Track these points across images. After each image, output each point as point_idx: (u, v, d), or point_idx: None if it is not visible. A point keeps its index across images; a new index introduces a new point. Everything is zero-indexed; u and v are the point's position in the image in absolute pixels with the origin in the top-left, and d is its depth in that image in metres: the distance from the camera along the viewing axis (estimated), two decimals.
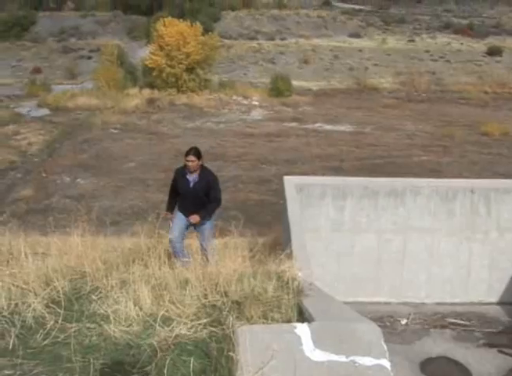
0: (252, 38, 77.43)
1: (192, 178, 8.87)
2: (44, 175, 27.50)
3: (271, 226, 13.32)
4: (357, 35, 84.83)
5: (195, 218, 8.65)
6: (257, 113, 41.40)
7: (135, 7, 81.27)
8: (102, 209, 18.06)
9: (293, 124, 37.62)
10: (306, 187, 8.59)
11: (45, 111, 41.50)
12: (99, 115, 38.53)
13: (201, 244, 8.83)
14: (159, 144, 31.10)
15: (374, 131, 35.73)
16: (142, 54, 53.55)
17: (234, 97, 45.53)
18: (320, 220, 8.46)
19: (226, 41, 70.20)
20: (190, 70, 46.01)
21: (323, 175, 21.14)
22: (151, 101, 43.06)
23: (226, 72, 58.50)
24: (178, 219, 8.97)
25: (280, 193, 9.30)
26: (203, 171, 8.91)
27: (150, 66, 46.19)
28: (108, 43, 55.42)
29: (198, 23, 47.35)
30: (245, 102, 44.72)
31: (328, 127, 36.87)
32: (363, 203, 8.47)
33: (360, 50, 72.85)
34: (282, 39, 78.33)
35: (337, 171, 25.25)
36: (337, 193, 8.49)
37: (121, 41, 66.04)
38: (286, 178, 9.00)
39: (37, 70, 61.48)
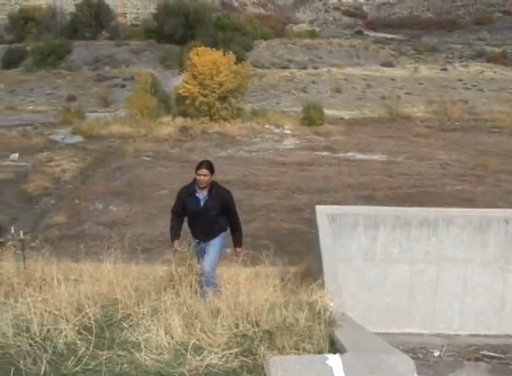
0: (284, 67, 77.68)
1: (202, 196, 8.11)
2: (77, 201, 27.73)
3: (302, 255, 13.26)
4: (389, 64, 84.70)
5: (238, 253, 8.13)
6: (289, 142, 41.45)
7: (168, 36, 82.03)
8: (134, 236, 18.11)
9: (326, 153, 37.58)
10: (338, 217, 8.56)
11: (78, 138, 41.92)
12: (132, 143, 38.85)
13: (203, 267, 7.79)
14: (191, 172, 31.10)
15: (407, 161, 35.55)
16: (176, 83, 53.98)
17: (266, 126, 45.65)
18: (352, 250, 8.42)
19: (259, 70, 70.49)
20: (223, 98, 46.26)
21: (355, 204, 21.02)
22: (184, 129, 43.34)
23: (259, 101, 58.74)
24: (194, 246, 8.15)
25: (312, 222, 9.26)
26: (215, 187, 8.18)
27: (183, 94, 46.53)
28: (142, 72, 55.98)
29: (231, 52, 47.66)
30: (277, 130, 44.81)
31: (360, 156, 36.77)
32: (396, 233, 8.41)
33: (392, 79, 72.75)
34: (314, 68, 78.47)
35: (369, 200, 25.12)
36: (369, 223, 8.44)
37: (155, 70, 66.63)
38: (318, 207, 8.97)
39: (71, 98, 62.27)
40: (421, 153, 37.84)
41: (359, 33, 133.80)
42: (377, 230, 8.41)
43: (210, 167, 8.06)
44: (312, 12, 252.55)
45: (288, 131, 44.65)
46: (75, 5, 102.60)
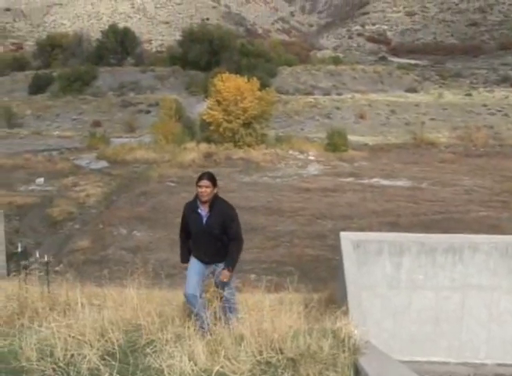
0: (308, 93, 77.95)
1: (204, 212, 7.45)
2: (101, 226, 27.83)
3: (326, 282, 13.19)
4: (413, 90, 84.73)
5: (224, 276, 7.27)
6: (313, 168, 41.42)
7: (193, 63, 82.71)
8: (157, 262, 18.15)
9: (350, 179, 37.49)
10: (362, 243, 8.51)
11: (103, 164, 42.19)
12: (157, 168, 39.03)
13: (221, 294, 7.28)
14: None
15: (431, 187, 35.35)
16: (200, 109, 54.31)
17: (290, 152, 45.69)
18: (377, 277, 8.35)
19: (283, 96, 70.80)
20: (247, 124, 46.41)
21: (380, 230, 20.94)
22: (208, 155, 43.49)
23: (283, 127, 58.92)
24: (193, 267, 7.51)
25: (336, 248, 9.22)
26: (218, 202, 7.49)
27: (208, 120, 46.77)
28: (166, 98, 56.36)
29: (255, 79, 47.86)
30: (301, 156, 44.83)
31: (384, 182, 36.63)
32: (421, 259, 8.34)
33: (416, 105, 72.64)
34: (338, 94, 78.68)
35: (394, 226, 24.97)
36: (394, 250, 8.38)
37: (179, 96, 67.12)
38: (342, 233, 8.93)
39: (97, 124, 62.88)
40: (446, 179, 37.64)
41: (383, 59, 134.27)
42: (402, 257, 8.35)
43: (211, 178, 7.45)
44: (336, 38, 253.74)
45: (312, 158, 44.66)
46: (101, 31, 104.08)
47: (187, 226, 7.68)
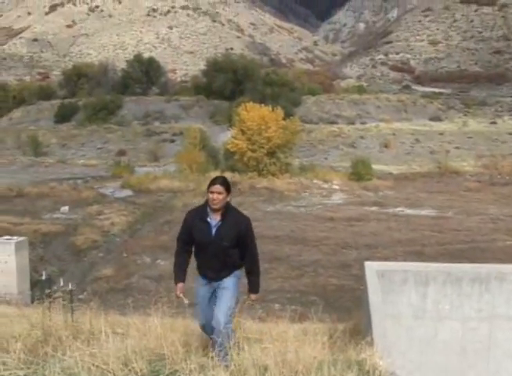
0: (333, 122, 78.07)
1: (215, 221, 6.62)
2: (125, 255, 27.89)
3: (351, 312, 13.07)
4: (437, 118, 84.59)
5: (256, 299, 6.79)
6: (337, 198, 41.31)
7: (217, 92, 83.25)
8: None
9: (374, 208, 37.33)
10: (387, 273, 8.44)
11: (128, 192, 42.40)
12: (181, 197, 39.12)
13: (217, 319, 6.39)
14: None
15: (457, 216, 35.09)
16: (224, 138, 54.52)
17: (315, 181, 45.64)
18: (402, 307, 8.27)
19: (307, 125, 70.93)
20: (271, 154, 46.47)
21: (405, 260, 20.77)
22: (232, 184, 43.42)
23: (307, 156, 58.97)
24: (201, 291, 6.78)
25: (361, 278, 9.15)
26: (230, 211, 6.73)
27: (232, 150, 46.90)
28: (191, 127, 56.68)
29: (279, 108, 47.99)
30: (325, 186, 44.76)
31: (409, 211, 36.43)
32: (446, 289, 8.25)
33: (441, 133, 72.50)
34: (362, 123, 78.75)
35: (419, 256, 24.78)
36: (419, 279, 8.30)
37: (204, 125, 67.51)
38: (366, 263, 8.87)
39: (121, 153, 63.34)
40: (471, 208, 37.36)
41: (407, 87, 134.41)
42: (427, 287, 8.27)
43: (225, 184, 6.69)
44: (360, 67, 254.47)
45: (336, 187, 44.58)
46: (126, 61, 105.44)
47: (189, 237, 6.81)
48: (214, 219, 6.61)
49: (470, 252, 26.49)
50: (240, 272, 6.89)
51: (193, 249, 6.86)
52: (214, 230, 6.59)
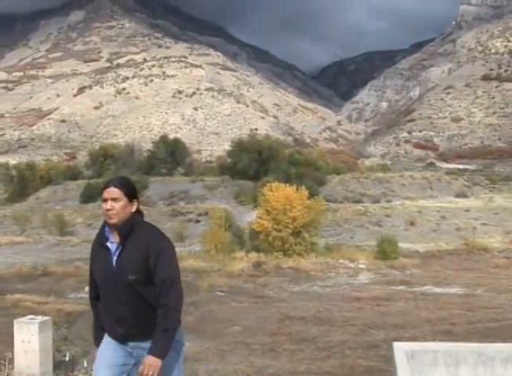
0: (358, 201, 78.14)
1: (115, 245, 4.62)
2: None
3: None
4: (463, 195, 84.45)
5: (147, 367, 4.42)
6: (364, 277, 40.95)
7: (242, 172, 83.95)
8: (206, 373, 17.85)
9: (401, 287, 36.87)
10: (416, 353, 8.25)
11: None
12: (206, 277, 38.97)
13: None
14: (265, 308, 30.93)
15: (486, 293, 34.52)
16: (249, 218, 54.65)
17: (341, 260, 45.33)
18: None
19: (332, 204, 71.04)
20: (296, 233, 46.35)
21: (434, 340, 20.35)
22: (257, 264, 43.36)
23: (332, 235, 58.81)
24: (103, 353, 4.74)
25: (389, 359, 8.97)
26: (139, 228, 4.64)
27: (257, 229, 46.89)
28: (216, 207, 57.00)
29: (303, 188, 48.14)
30: (351, 265, 44.42)
31: (437, 289, 35.93)
32: (478, 370, 8.04)
33: (467, 210, 72.15)
34: (387, 201, 78.71)
35: (448, 335, 24.29)
36: (450, 360, 8.10)
37: (229, 205, 67.86)
38: (395, 344, 8.70)
39: None
40: (501, 285, 36.77)
41: (431, 165, 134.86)
42: (458, 368, 8.06)
43: (125, 185, 4.67)
44: (383, 145, 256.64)
45: (363, 266, 44.21)
46: (152, 142, 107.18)
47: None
48: (115, 242, 4.62)
49: (502, 331, 25.93)
50: (179, 331, 4.93)
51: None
52: (114, 259, 4.59)
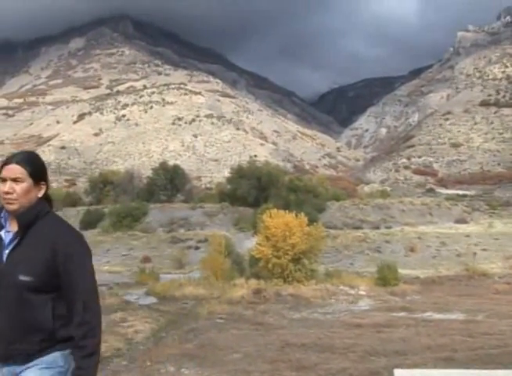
0: (357, 228, 78.12)
1: (10, 235, 3.72)
2: (148, 363, 27.43)
3: None
4: (463, 220, 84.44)
5: None
6: (364, 303, 40.80)
7: (242, 199, 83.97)
8: None
9: (402, 313, 36.69)
10: None
11: (152, 299, 42.10)
12: (206, 305, 38.79)
13: None
14: (264, 335, 30.76)
15: (487, 319, 34.31)
16: (249, 244, 54.56)
17: (341, 287, 45.15)
18: None
19: (331, 230, 70.99)
20: (296, 260, 46.22)
21: (435, 367, 20.22)
22: (257, 291, 43.18)
23: (332, 262, 58.70)
24: None
25: None
26: (45, 219, 3.75)
27: (257, 256, 46.79)
28: (215, 234, 56.89)
29: (303, 214, 48.09)
30: (352, 292, 44.25)
31: (438, 316, 35.74)
32: None
33: (467, 235, 72.13)
34: (387, 228, 78.67)
35: (450, 362, 24.09)
36: None
37: (228, 232, 67.85)
38: (396, 371, 8.67)
39: (146, 259, 63.45)
40: (502, 310, 36.56)
41: (431, 190, 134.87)
42: None
43: (31, 163, 3.70)
44: (383, 172, 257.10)
45: (363, 292, 44.04)
46: (152, 169, 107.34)
47: None
48: (12, 232, 3.70)
49: (504, 357, 25.71)
50: (66, 354, 3.71)
51: None
52: (6, 252, 3.66)
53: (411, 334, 31.63)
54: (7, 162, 3.60)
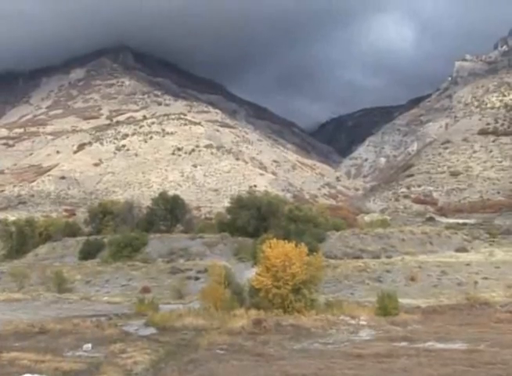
0: (357, 257, 77.80)
1: None
2: None
3: None
4: (463, 249, 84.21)
5: None
6: (365, 333, 40.50)
7: (241, 229, 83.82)
8: None
9: (403, 343, 36.42)
10: None
11: (151, 330, 41.84)
12: (205, 335, 38.52)
13: None
14: (265, 366, 30.54)
15: (490, 349, 34.03)
16: (249, 275, 54.29)
17: (341, 317, 44.85)
18: None
19: (331, 260, 70.74)
20: (296, 290, 45.96)
21: None
22: (257, 322, 42.89)
23: (332, 292, 58.37)
24: None
25: None
26: None
27: (257, 286, 46.55)
28: (215, 264, 56.68)
29: (303, 244, 47.94)
30: (352, 321, 43.94)
31: (440, 345, 35.47)
32: None
33: (468, 264, 71.82)
34: (387, 257, 78.37)
35: None
36: None
37: (228, 262, 67.55)
38: None
39: (146, 290, 63.10)
40: (505, 339, 36.29)
41: (431, 219, 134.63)
42: None
43: None
44: (383, 201, 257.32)
45: (364, 322, 43.74)
46: (151, 199, 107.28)
47: None
48: None
49: None
50: None
51: None
52: None
53: (412, 364, 31.28)
54: None
